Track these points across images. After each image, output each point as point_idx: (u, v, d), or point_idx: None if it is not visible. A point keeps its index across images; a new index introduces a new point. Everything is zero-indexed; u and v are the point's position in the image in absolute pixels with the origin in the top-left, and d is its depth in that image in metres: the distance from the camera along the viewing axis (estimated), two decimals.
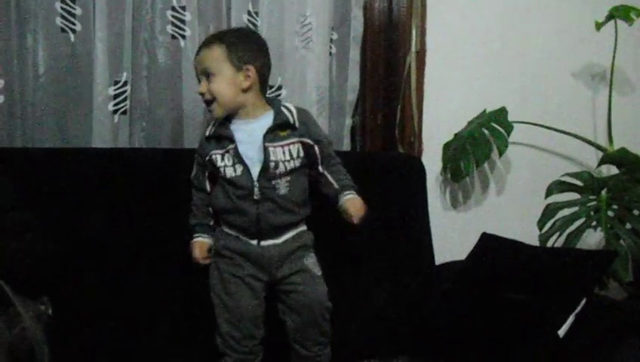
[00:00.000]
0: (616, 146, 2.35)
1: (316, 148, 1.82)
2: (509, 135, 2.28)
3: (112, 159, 1.94)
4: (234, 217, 1.78)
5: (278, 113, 1.78)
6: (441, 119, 2.42)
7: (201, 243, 1.84)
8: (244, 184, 1.75)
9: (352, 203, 1.82)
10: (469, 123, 2.40)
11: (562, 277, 1.89)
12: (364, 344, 1.99)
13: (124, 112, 2.11)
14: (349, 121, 2.38)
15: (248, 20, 2.21)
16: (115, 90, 2.08)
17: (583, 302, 1.87)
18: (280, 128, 1.78)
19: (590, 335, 1.84)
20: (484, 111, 2.40)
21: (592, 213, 2.24)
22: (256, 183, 1.74)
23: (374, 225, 2.07)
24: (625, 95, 2.61)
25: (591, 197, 2.27)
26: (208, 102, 1.76)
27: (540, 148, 2.56)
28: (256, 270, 1.78)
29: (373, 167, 2.17)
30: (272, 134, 1.76)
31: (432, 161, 2.38)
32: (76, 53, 2.06)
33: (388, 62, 2.38)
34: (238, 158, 1.75)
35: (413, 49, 2.37)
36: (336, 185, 1.86)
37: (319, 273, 1.85)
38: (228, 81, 1.74)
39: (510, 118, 2.31)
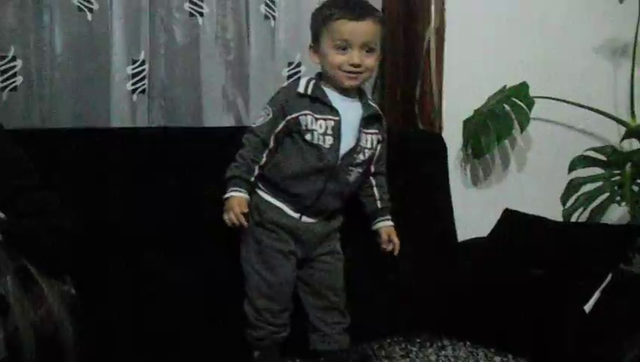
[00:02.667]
0: (639, 121, 2.32)
1: (381, 145, 1.87)
2: (530, 110, 2.26)
3: (130, 138, 1.92)
4: (297, 184, 1.76)
5: (367, 103, 1.83)
6: (461, 95, 2.39)
7: (240, 199, 1.74)
8: (329, 157, 1.75)
9: (393, 233, 1.90)
10: (490, 99, 2.38)
11: (587, 253, 1.88)
12: (386, 322, 1.98)
13: (143, 91, 2.09)
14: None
15: None
16: (133, 69, 2.07)
17: (609, 277, 1.85)
18: (371, 118, 1.82)
19: (616, 311, 1.82)
20: (505, 86, 2.37)
21: (616, 188, 2.22)
22: (339, 161, 1.75)
23: (396, 203, 2.07)
24: None
25: (615, 171, 2.25)
26: (356, 73, 1.75)
27: (562, 124, 2.53)
28: (296, 245, 1.78)
29: (393, 144, 2.10)
30: (366, 120, 1.80)
31: (452, 137, 2.35)
32: (93, 33, 2.03)
33: (407, 38, 2.35)
34: (334, 131, 1.75)
35: (432, 25, 2.33)
36: (379, 204, 1.91)
37: (342, 255, 1.86)
38: (377, 58, 1.78)
39: (531, 94, 2.29)
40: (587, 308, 1.83)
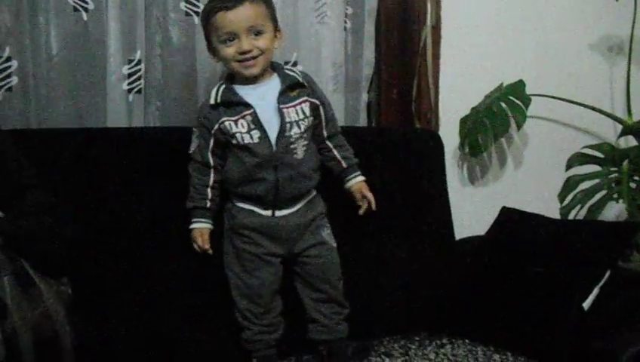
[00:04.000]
0: (635, 118, 2.32)
1: (321, 108, 1.83)
2: (526, 108, 2.25)
3: (127, 139, 1.92)
4: (250, 187, 1.75)
5: (285, 75, 1.78)
6: (457, 93, 2.39)
7: (201, 230, 1.79)
8: (262, 150, 1.72)
9: (365, 188, 1.88)
10: (487, 96, 2.37)
11: (585, 250, 1.88)
12: (384, 320, 1.98)
13: (139, 91, 2.08)
14: (364, 97, 2.35)
15: None
16: (129, 68, 2.06)
17: (607, 274, 1.85)
18: (290, 89, 1.78)
19: (615, 308, 1.82)
20: (502, 84, 2.37)
21: (613, 185, 2.22)
22: (274, 148, 1.73)
23: (393, 202, 2.08)
24: None
25: (612, 169, 2.25)
26: (250, 59, 1.72)
27: (558, 121, 2.53)
28: (274, 245, 1.77)
29: (390, 142, 2.15)
30: (283, 96, 1.76)
31: (449, 135, 2.35)
32: (89, 32, 2.03)
33: (403, 36, 2.34)
34: (255, 124, 1.73)
35: (428, 22, 2.33)
36: (343, 163, 1.88)
37: (334, 244, 1.84)
38: (271, 38, 1.75)
39: (528, 91, 2.28)
40: (585, 305, 1.83)
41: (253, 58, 1.71)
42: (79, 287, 1.62)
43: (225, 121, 1.74)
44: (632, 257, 2.15)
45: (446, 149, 2.25)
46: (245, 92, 1.75)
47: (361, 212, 1.88)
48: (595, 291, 1.86)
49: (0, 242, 1.39)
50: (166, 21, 2.09)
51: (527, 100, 2.26)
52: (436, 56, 2.35)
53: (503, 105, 2.28)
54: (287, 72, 1.80)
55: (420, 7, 2.33)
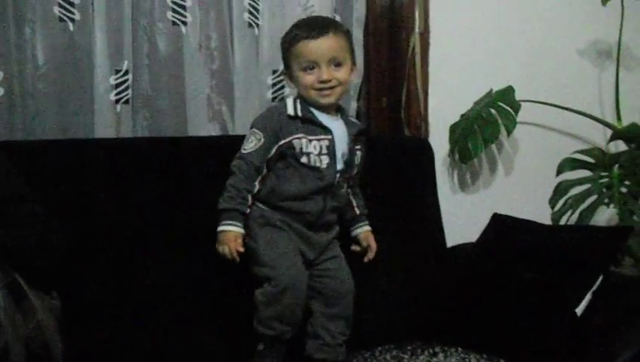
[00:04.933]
0: (625, 123, 2.32)
1: (362, 160, 1.91)
2: (516, 114, 2.25)
3: (115, 149, 1.91)
4: (299, 205, 1.78)
5: (349, 120, 1.89)
6: (447, 100, 2.38)
7: (236, 233, 1.73)
8: (327, 177, 1.78)
9: (371, 238, 1.96)
10: (476, 103, 2.36)
11: (577, 255, 1.86)
12: (377, 329, 1.95)
13: (127, 102, 2.07)
14: (353, 105, 2.34)
15: (250, 5, 2.17)
16: (116, 79, 2.05)
17: (600, 279, 1.85)
18: (359, 134, 1.88)
19: (608, 313, 1.82)
20: (491, 90, 2.36)
21: (604, 190, 2.21)
22: (336, 179, 1.80)
23: (384, 210, 2.07)
24: (632, 71, 2.56)
25: (602, 173, 2.24)
26: (328, 89, 1.77)
27: (548, 127, 2.52)
28: (306, 247, 1.80)
29: (380, 150, 2.12)
30: (355, 137, 1.85)
31: (439, 143, 2.34)
32: (75, 43, 2.02)
33: (391, 43, 2.34)
34: (329, 150, 1.78)
35: (416, 30, 2.33)
36: (356, 210, 1.96)
37: (343, 257, 1.89)
38: (349, 70, 1.81)
39: (517, 97, 2.28)
40: (579, 310, 1.82)
41: (331, 88, 1.77)
42: (68, 298, 1.61)
43: (300, 137, 1.76)
44: (623, 262, 2.14)
45: (436, 156, 2.25)
46: (321, 117, 1.80)
47: (366, 259, 1.95)
48: (588, 297, 1.85)
49: None
50: (153, 31, 2.09)
51: (516, 106, 2.25)
52: (425, 63, 2.35)
53: (493, 111, 2.27)
54: (350, 118, 1.92)
55: (408, 14, 2.32)
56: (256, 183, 1.77)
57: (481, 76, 2.42)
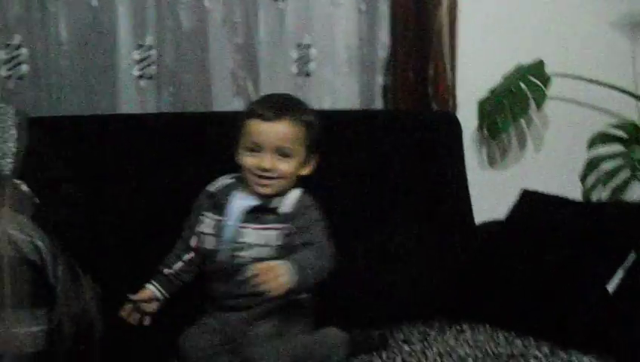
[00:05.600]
0: None
1: (293, 237, 1.64)
2: (546, 88, 2.20)
3: (139, 125, 1.89)
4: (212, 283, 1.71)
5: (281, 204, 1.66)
6: (475, 74, 2.34)
7: (148, 293, 1.68)
8: (213, 258, 1.68)
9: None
10: (505, 77, 2.33)
11: (608, 232, 1.83)
12: (403, 307, 1.94)
13: (150, 77, 2.06)
14: (380, 79, 2.31)
15: None
16: (140, 54, 2.03)
17: (633, 256, 1.80)
18: (263, 211, 1.65)
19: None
20: (520, 64, 2.32)
21: (637, 165, 2.16)
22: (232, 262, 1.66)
23: (411, 187, 2.05)
24: None
25: (636, 148, 2.19)
26: (266, 178, 1.62)
27: (579, 102, 2.47)
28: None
29: (407, 126, 2.11)
30: (251, 215, 1.65)
31: (467, 118, 2.29)
32: (99, 18, 2.00)
33: (418, 17, 2.27)
34: (217, 231, 1.69)
35: (444, 3, 2.27)
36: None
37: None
38: (297, 165, 1.65)
39: (547, 71, 2.23)
40: (610, 288, 1.78)
41: (270, 178, 1.62)
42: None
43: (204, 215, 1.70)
44: None
45: (464, 132, 2.21)
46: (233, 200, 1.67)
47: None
48: (620, 274, 1.81)
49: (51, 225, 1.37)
50: (176, 5, 2.05)
51: (546, 80, 2.21)
52: (453, 37, 2.29)
53: (522, 85, 2.23)
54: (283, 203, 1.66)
55: None
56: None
57: (510, 50, 2.38)
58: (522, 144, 2.47)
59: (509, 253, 1.95)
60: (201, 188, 1.79)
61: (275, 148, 1.60)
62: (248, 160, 1.63)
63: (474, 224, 2.17)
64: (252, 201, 1.64)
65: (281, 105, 1.64)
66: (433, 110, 2.28)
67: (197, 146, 1.86)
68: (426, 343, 1.74)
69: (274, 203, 1.64)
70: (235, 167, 1.70)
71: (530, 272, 1.86)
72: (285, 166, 1.62)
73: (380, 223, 1.99)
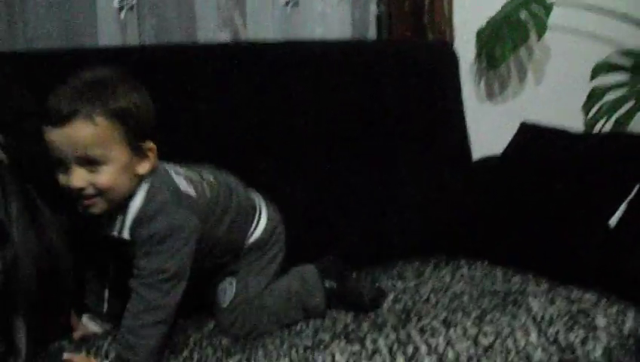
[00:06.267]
0: None
1: None
2: (547, 17, 2.11)
3: (120, 57, 1.76)
4: None
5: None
6: (473, 3, 2.25)
7: None
8: None
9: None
10: (505, 5, 2.23)
11: (611, 164, 1.76)
12: (400, 243, 1.88)
13: (131, 8, 1.95)
14: (374, 8, 2.22)
15: None
16: None
17: (635, 189, 1.73)
18: None
19: None
20: None
21: None
22: None
23: (406, 120, 1.97)
24: None
25: None
26: (86, 198, 1.26)
27: (582, 31, 2.38)
28: None
29: (401, 56, 2.01)
30: None
31: (464, 49, 2.20)
32: None
33: None
34: None
35: None
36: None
37: None
38: (121, 169, 1.26)
39: None
40: (612, 222, 1.71)
41: (91, 197, 1.26)
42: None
43: None
44: None
45: (462, 63, 2.11)
46: None
47: None
48: (623, 207, 1.74)
49: (6, 162, 1.28)
50: None
51: (548, 8, 2.12)
52: None
53: (522, 14, 2.14)
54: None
55: None
56: None
57: None
58: (522, 76, 2.38)
59: (507, 188, 1.88)
60: (187, 121, 1.71)
61: (77, 160, 1.23)
62: (60, 178, 1.26)
63: (471, 159, 2.09)
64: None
65: (70, 100, 1.22)
66: (429, 40, 2.18)
67: (180, 79, 1.76)
68: (421, 279, 1.69)
69: (115, 228, 1.33)
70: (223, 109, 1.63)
71: (530, 207, 1.79)
72: (101, 178, 1.24)
73: (374, 159, 1.91)
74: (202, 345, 1.37)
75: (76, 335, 1.45)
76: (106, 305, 1.47)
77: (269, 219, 1.51)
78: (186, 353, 1.34)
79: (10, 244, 1.19)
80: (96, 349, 1.36)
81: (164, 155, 1.39)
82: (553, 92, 2.38)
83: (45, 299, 1.26)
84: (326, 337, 1.36)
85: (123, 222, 1.31)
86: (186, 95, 1.76)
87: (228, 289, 1.46)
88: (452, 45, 2.15)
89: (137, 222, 1.29)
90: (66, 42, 1.91)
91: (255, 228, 1.49)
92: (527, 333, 1.39)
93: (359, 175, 1.88)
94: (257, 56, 1.83)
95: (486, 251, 1.82)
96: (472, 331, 1.37)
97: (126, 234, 1.31)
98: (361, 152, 1.89)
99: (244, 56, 1.79)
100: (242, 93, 1.77)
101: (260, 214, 1.50)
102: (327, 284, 1.54)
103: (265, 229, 1.49)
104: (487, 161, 2.07)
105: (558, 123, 1.95)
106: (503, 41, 2.11)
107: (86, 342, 1.39)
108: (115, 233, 1.32)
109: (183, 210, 1.32)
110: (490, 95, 2.36)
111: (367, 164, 1.89)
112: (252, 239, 1.48)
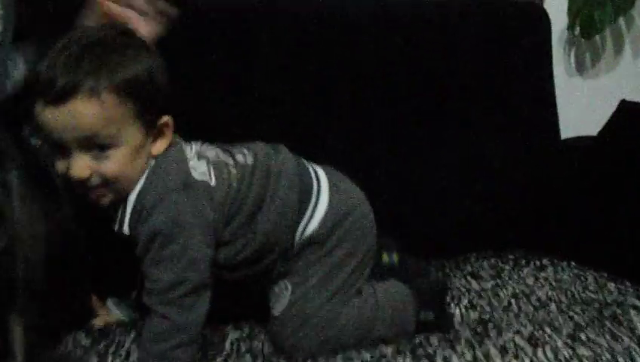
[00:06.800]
0: None
1: None
2: None
3: None
4: None
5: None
6: None
7: None
8: None
9: None
10: None
11: None
12: (473, 234, 1.65)
13: None
14: None
15: None
16: None
17: None
18: None
19: None
20: None
21: None
22: None
23: (486, 92, 1.73)
24: None
25: None
26: (92, 188, 1.06)
27: None
28: None
29: (482, 17, 1.76)
30: None
31: (555, 14, 1.89)
32: None
33: None
34: None
35: None
36: None
37: None
38: (134, 150, 1.05)
39: None
40: None
41: (98, 187, 1.05)
42: None
43: None
44: None
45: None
46: None
47: None
48: None
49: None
50: None
51: None
52: None
53: None
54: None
55: None
56: None
57: None
58: (619, 47, 2.09)
59: (602, 176, 1.63)
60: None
61: (80, 144, 1.01)
62: (58, 164, 1.05)
63: (560, 139, 1.83)
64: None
65: (69, 71, 0.99)
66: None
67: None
68: (499, 280, 1.44)
69: (116, 220, 1.10)
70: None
71: (629, 201, 1.54)
72: (110, 165, 1.03)
73: (448, 135, 1.68)
74: (240, 351, 1.15)
75: (98, 321, 1.25)
76: (136, 290, 1.25)
77: (330, 206, 1.18)
78: (219, 360, 1.12)
79: (6, 223, 0.96)
80: (115, 347, 1.15)
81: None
82: None
83: (56, 288, 1.04)
84: (388, 351, 1.13)
85: (123, 213, 1.08)
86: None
87: (282, 295, 1.17)
88: (543, 6, 1.87)
89: (136, 214, 1.06)
90: None
91: (310, 219, 1.17)
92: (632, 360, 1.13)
93: (427, 154, 1.66)
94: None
95: (572, 249, 1.57)
96: (565, 353, 1.12)
97: (126, 230, 1.08)
98: (431, 128, 1.66)
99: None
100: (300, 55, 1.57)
101: (317, 200, 1.18)
102: (422, 316, 1.24)
103: (324, 219, 1.17)
104: (578, 142, 1.82)
105: None
106: (604, 6, 1.83)
107: (105, 337, 1.19)
108: (116, 227, 1.10)
109: (192, 201, 1.06)
110: (582, 68, 2.09)
111: (438, 141, 1.67)
112: (307, 233, 1.17)
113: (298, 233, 1.17)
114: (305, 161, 1.23)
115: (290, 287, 1.16)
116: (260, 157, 1.17)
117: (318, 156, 1.27)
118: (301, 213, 1.17)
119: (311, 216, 1.17)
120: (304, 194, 1.17)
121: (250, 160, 1.16)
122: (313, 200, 1.18)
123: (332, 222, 1.17)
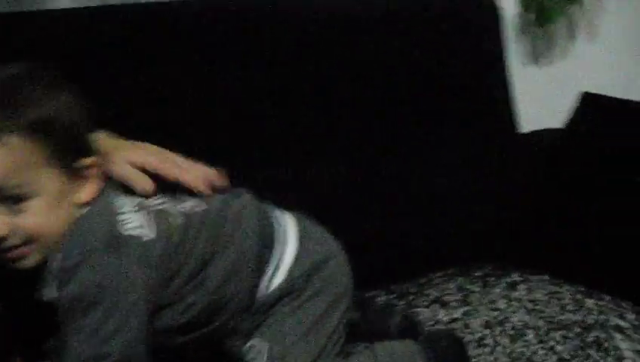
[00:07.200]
0: None
1: None
2: None
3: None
4: None
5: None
6: None
7: None
8: None
9: None
10: None
11: None
12: (434, 249, 1.55)
13: None
14: None
15: None
16: None
17: None
18: None
19: None
20: None
21: None
22: None
23: (439, 88, 1.64)
24: None
25: None
26: (10, 250, 0.93)
27: None
28: None
29: (433, 7, 1.70)
30: None
31: (507, 2, 1.87)
32: None
33: None
34: None
35: None
36: None
37: None
38: (54, 199, 0.93)
39: None
40: None
41: (17, 247, 0.93)
42: None
43: None
44: None
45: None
46: None
47: None
48: None
49: None
50: None
51: None
52: None
53: None
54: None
55: None
56: None
57: None
58: (572, 32, 2.05)
59: (570, 175, 1.55)
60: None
61: None
62: None
63: (517, 133, 1.76)
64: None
65: None
66: None
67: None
68: (468, 307, 1.31)
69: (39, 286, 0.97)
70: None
71: (602, 203, 1.46)
72: (28, 219, 0.92)
73: (399, 142, 1.60)
74: None
75: None
76: None
77: (300, 254, 1.08)
78: None
79: None
80: None
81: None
82: (610, 54, 2.06)
83: None
84: None
85: (41, 276, 0.95)
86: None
87: (257, 359, 1.03)
88: None
89: (59, 277, 0.93)
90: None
91: (276, 270, 1.06)
92: None
93: (377, 163, 1.58)
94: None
95: (546, 261, 1.47)
96: None
97: (46, 294, 0.95)
98: (381, 137, 1.58)
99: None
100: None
101: (283, 248, 1.08)
102: None
103: (291, 269, 1.07)
104: (537, 136, 1.75)
105: (619, 91, 1.63)
106: None
107: None
108: (35, 292, 0.95)
109: (118, 261, 0.93)
110: (536, 57, 2.04)
111: (388, 149, 1.58)
112: (274, 284, 1.06)
113: (263, 285, 1.05)
114: (270, 207, 1.13)
115: (265, 348, 1.04)
116: (215, 203, 1.06)
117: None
118: (263, 262, 1.06)
119: (276, 267, 1.06)
120: (266, 242, 1.07)
121: (202, 206, 1.05)
122: (278, 248, 1.07)
123: (305, 272, 1.07)
